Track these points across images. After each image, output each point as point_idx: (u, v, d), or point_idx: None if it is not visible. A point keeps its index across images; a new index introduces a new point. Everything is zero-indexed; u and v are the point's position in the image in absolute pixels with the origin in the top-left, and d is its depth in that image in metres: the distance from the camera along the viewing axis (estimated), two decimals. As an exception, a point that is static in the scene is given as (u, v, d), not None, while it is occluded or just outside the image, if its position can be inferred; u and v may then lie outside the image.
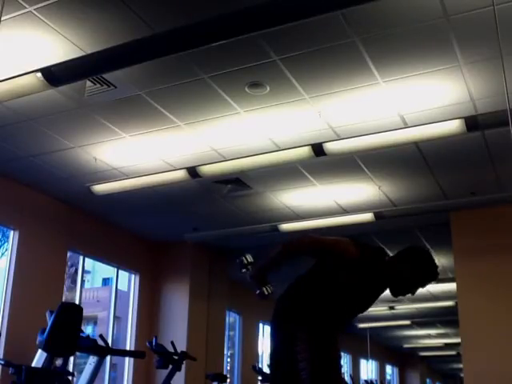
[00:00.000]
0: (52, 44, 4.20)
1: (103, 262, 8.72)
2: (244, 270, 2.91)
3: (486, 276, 7.13)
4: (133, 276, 8.91)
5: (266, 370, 9.83)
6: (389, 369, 21.60)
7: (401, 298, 3.05)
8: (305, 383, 2.71)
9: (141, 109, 5.14)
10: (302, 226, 7.67)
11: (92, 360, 5.38)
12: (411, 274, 2.92)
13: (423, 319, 14.86)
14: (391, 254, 3.03)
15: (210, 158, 6.00)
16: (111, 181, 6.42)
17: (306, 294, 2.87)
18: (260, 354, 12.42)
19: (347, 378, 13.89)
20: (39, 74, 4.04)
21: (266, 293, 2.79)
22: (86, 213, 7.74)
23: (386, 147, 5.40)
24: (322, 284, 2.86)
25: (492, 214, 7.16)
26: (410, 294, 2.97)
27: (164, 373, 6.90)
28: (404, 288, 2.95)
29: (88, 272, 18.72)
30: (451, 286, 9.63)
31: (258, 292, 2.81)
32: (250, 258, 2.95)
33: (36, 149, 5.96)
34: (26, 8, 3.84)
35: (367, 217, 7.27)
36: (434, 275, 2.95)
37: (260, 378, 9.56)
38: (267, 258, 2.83)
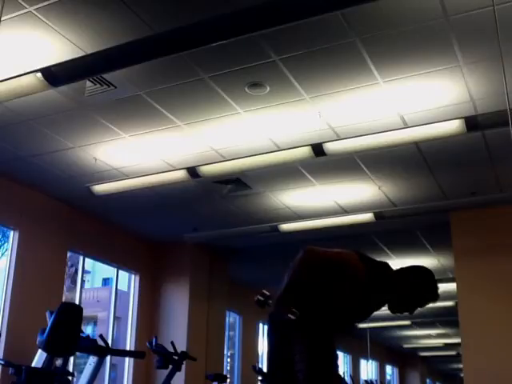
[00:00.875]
0: (52, 44, 4.20)
1: (103, 262, 8.72)
2: (266, 306, 2.91)
3: (486, 276, 7.13)
4: (133, 276, 8.91)
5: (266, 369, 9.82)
6: (389, 369, 21.59)
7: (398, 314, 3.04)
8: None
9: (141, 109, 5.14)
10: (302, 226, 7.67)
11: (92, 360, 5.38)
12: (412, 293, 2.88)
13: (423, 319, 14.86)
14: (395, 268, 3.00)
15: (210, 158, 6.00)
16: (111, 181, 6.42)
17: (304, 296, 2.86)
18: (260, 354, 12.42)
19: (347, 378, 13.89)
20: (39, 74, 4.04)
21: (293, 317, 2.80)
22: (85, 213, 7.74)
23: (386, 147, 5.40)
24: (321, 289, 2.84)
25: (492, 213, 7.16)
26: (407, 313, 2.94)
27: (164, 373, 6.90)
28: (403, 306, 2.93)
29: (88, 272, 18.71)
30: (451, 286, 9.62)
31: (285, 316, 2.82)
32: (266, 292, 2.93)
33: (36, 149, 5.96)
34: (26, 8, 3.83)
35: (367, 217, 7.27)
36: (434, 297, 2.91)
37: (260, 378, 9.56)
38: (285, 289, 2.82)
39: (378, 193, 6.97)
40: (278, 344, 2.91)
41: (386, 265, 2.95)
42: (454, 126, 4.91)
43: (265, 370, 9.78)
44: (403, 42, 4.16)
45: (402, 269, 2.96)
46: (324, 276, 2.83)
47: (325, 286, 2.82)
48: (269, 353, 2.98)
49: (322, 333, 2.79)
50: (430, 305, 2.94)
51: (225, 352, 9.97)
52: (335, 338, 2.86)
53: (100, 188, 6.49)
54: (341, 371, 14.97)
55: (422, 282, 2.89)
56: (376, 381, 18.28)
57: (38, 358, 4.85)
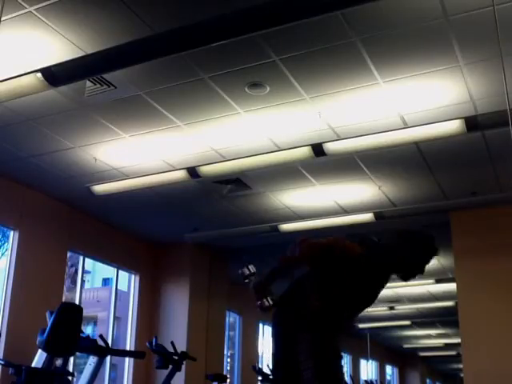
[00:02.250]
0: (52, 44, 4.20)
1: (103, 263, 8.73)
2: (246, 281, 2.94)
3: (486, 276, 7.13)
4: (133, 276, 8.91)
5: (266, 370, 9.83)
6: (389, 369, 21.59)
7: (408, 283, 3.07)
8: (308, 383, 2.73)
9: (141, 109, 5.14)
10: (301, 226, 7.67)
11: (92, 360, 5.38)
12: (413, 255, 2.90)
13: (423, 319, 14.86)
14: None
15: (210, 158, 6.00)
16: (111, 181, 6.42)
17: (307, 294, 2.87)
18: (260, 354, 12.41)
19: (347, 378, 13.89)
20: (39, 74, 4.04)
21: (267, 304, 2.82)
22: (86, 213, 7.74)
23: (386, 147, 5.40)
24: (323, 284, 2.86)
25: (492, 213, 7.15)
26: (420, 274, 2.94)
27: (164, 373, 6.90)
28: (412, 271, 2.93)
29: (88, 272, 18.70)
30: (451, 286, 9.63)
31: (258, 303, 2.84)
32: (252, 268, 2.96)
33: (36, 149, 5.96)
34: (25, 8, 3.84)
35: (367, 217, 7.27)
36: (432, 248, 2.92)
37: (260, 378, 9.55)
38: (267, 272, 2.86)
39: (377, 193, 6.97)
40: (282, 343, 2.92)
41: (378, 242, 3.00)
42: (454, 126, 4.91)
43: (265, 370, 9.78)
44: (403, 42, 4.16)
45: (389, 237, 2.98)
46: (325, 265, 2.85)
47: (327, 276, 2.84)
48: (273, 353, 2.99)
49: (326, 331, 2.80)
50: (430, 304, 2.99)
51: (225, 352, 9.97)
52: (339, 336, 2.88)
53: (100, 188, 6.49)
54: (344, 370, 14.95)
55: (416, 241, 2.92)
56: (376, 381, 18.28)
57: (38, 358, 4.84)
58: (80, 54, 4.22)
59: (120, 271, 8.69)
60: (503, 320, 6.91)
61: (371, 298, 2.97)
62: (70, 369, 7.08)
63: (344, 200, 7.26)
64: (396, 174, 6.47)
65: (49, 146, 5.88)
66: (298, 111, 5.14)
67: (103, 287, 18.95)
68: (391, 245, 2.94)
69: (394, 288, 11.10)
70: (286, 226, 7.75)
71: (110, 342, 7.46)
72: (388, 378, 21.61)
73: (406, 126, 5.23)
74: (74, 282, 10.76)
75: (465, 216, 7.34)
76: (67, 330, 4.82)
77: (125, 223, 8.25)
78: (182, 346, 7.71)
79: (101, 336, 5.59)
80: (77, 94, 4.88)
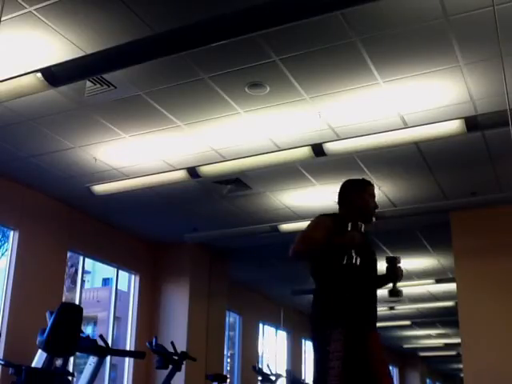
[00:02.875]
0: (52, 44, 4.20)
1: (103, 263, 8.72)
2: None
3: (486, 276, 7.13)
4: (133, 276, 8.91)
5: (266, 370, 9.85)
6: (389, 369, 21.56)
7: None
8: (331, 382, 2.75)
9: (141, 109, 5.14)
10: (301, 226, 7.64)
11: (92, 360, 5.38)
12: (356, 198, 3.40)
13: (423, 319, 14.86)
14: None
15: (210, 158, 6.00)
16: (111, 181, 6.42)
17: (330, 295, 2.94)
18: (260, 354, 12.41)
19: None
20: (39, 74, 4.04)
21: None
22: (85, 213, 7.74)
23: (386, 147, 5.40)
24: (338, 273, 2.97)
25: (492, 213, 7.15)
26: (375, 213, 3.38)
27: (164, 373, 6.90)
28: (363, 212, 3.36)
29: (88, 272, 18.70)
30: (451, 286, 9.64)
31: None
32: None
33: (36, 149, 5.96)
34: (25, 8, 3.84)
35: (367, 217, 7.26)
36: (363, 181, 3.45)
37: (260, 378, 9.56)
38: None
39: (378, 193, 6.94)
40: (318, 346, 3.01)
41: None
42: (454, 126, 4.91)
43: (265, 370, 9.80)
44: (403, 42, 4.16)
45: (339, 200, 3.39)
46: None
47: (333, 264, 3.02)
48: (314, 357, 3.11)
49: (358, 330, 2.85)
50: (430, 305, 3.07)
51: (225, 352, 9.97)
52: (374, 337, 2.92)
53: (100, 188, 6.49)
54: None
55: (348, 187, 3.52)
56: (376, 381, 18.25)
57: (38, 358, 4.84)
58: (80, 54, 4.22)
59: (120, 271, 8.69)
60: (503, 320, 6.90)
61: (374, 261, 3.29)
62: (70, 369, 7.08)
63: (344, 200, 7.24)
64: (396, 174, 6.47)
65: (49, 146, 5.88)
66: (298, 111, 5.14)
67: (103, 287, 18.95)
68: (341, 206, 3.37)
69: (393, 288, 11.09)
70: (286, 226, 7.74)
71: (110, 342, 7.46)
72: (388, 378, 21.58)
73: (406, 126, 5.23)
74: (74, 282, 10.76)
75: (465, 216, 7.34)
76: (67, 330, 4.82)
77: (125, 223, 8.25)
78: (182, 346, 7.71)
79: (101, 336, 5.59)
80: (77, 93, 4.88)
